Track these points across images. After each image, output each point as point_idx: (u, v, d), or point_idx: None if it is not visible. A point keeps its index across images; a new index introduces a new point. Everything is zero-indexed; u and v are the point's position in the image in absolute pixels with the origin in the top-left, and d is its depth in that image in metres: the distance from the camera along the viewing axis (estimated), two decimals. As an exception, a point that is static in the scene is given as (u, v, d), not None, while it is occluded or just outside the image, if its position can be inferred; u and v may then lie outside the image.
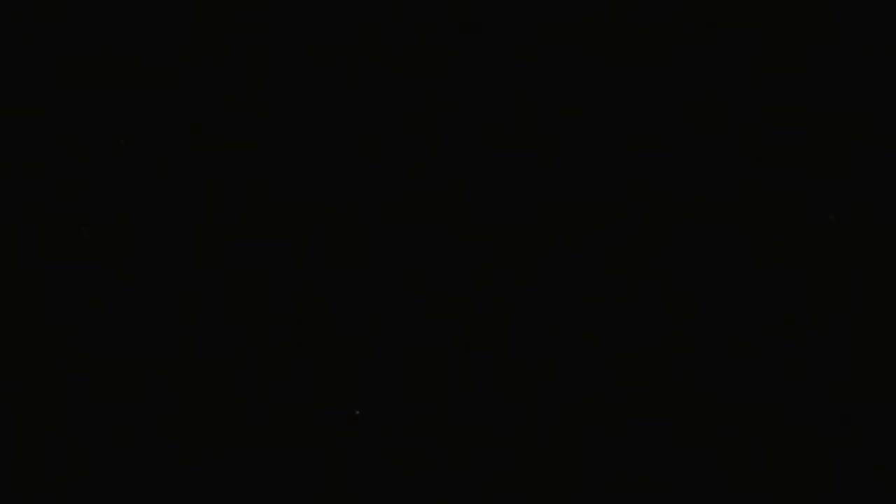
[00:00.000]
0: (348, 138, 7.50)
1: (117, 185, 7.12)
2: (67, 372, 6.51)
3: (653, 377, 7.03)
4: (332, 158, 7.41)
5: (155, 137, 7.21)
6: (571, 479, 4.87)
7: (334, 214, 7.47)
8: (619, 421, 6.23)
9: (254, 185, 7.36)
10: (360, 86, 7.30)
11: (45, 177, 6.94)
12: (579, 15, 6.99)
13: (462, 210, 8.29)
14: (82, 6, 6.93)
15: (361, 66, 7.28)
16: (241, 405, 6.42)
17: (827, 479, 4.78)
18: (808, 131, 6.84)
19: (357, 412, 7.19)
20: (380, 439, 6.05)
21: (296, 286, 7.58)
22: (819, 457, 5.20)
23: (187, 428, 5.94)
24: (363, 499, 4.59)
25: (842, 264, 6.77)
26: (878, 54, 6.72)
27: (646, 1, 7.02)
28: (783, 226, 7.03)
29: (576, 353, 7.85)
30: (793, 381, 6.65)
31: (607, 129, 7.26)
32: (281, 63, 7.35)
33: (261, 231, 7.25)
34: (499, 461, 5.35)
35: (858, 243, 6.70)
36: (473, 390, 8.12)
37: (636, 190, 7.19)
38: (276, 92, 7.34)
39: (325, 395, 7.07)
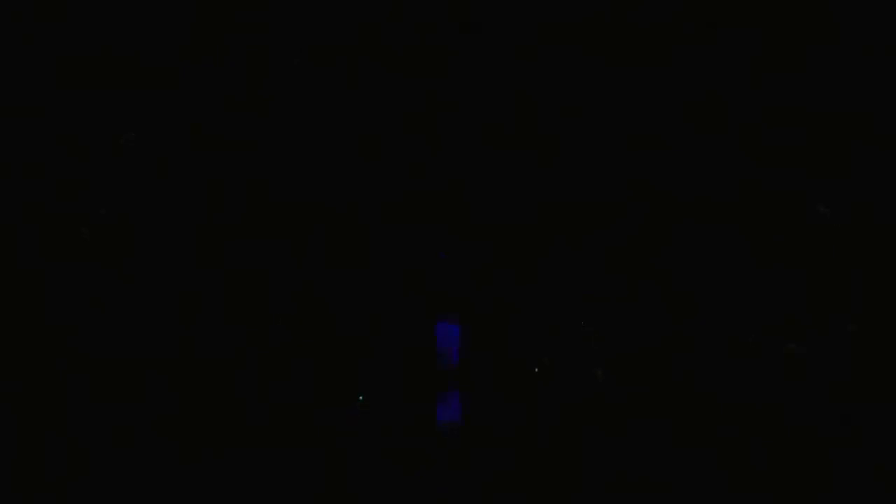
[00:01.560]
0: (348, 138, 7.51)
1: (117, 185, 7.12)
2: (67, 372, 6.51)
3: (653, 377, 7.03)
4: (332, 158, 7.42)
5: (155, 137, 7.21)
6: (571, 479, 4.87)
7: (334, 214, 7.47)
8: (619, 421, 6.24)
9: (254, 185, 7.36)
10: (360, 86, 7.30)
11: (45, 177, 6.94)
12: (579, 15, 6.99)
13: (462, 210, 8.30)
14: (82, 6, 6.93)
15: (361, 66, 7.28)
16: (241, 405, 6.42)
17: (827, 479, 4.78)
18: (808, 131, 6.84)
19: (361, 398, 7.22)
20: (380, 439, 6.05)
21: (296, 286, 7.58)
22: (819, 457, 5.21)
23: (187, 428, 5.95)
24: (363, 499, 4.58)
25: (842, 264, 6.77)
26: (878, 54, 6.71)
27: (646, 1, 7.02)
28: (783, 226, 7.03)
29: (576, 353, 7.85)
30: (793, 381, 6.65)
31: (607, 129, 7.26)
32: (281, 63, 7.35)
33: (261, 231, 7.25)
34: (499, 461, 5.36)
35: (858, 243, 6.70)
36: (474, 390, 8.13)
37: (636, 190, 7.19)
38: (276, 92, 7.35)
39: (325, 395, 7.08)
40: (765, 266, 7.13)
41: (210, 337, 7.18)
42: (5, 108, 6.94)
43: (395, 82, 7.51)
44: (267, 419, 6.26)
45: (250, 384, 6.99)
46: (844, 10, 6.78)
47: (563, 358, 7.87)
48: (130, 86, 7.33)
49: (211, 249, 7.35)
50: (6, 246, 6.80)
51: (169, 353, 6.96)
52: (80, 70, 7.19)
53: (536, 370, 7.69)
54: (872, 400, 6.20)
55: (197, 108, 7.41)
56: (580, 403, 6.94)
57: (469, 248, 8.55)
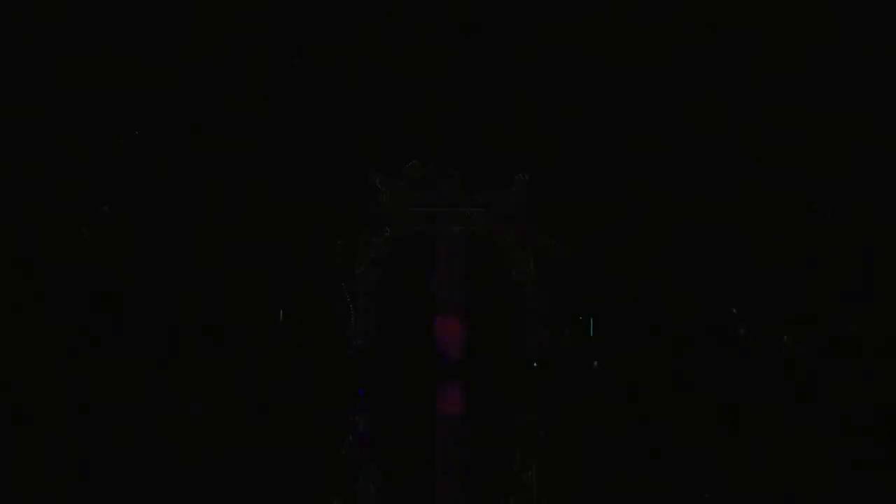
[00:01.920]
0: (349, 138, 7.49)
1: (117, 185, 7.10)
2: (67, 372, 6.50)
3: (653, 377, 7.02)
4: (332, 158, 7.40)
5: (155, 137, 7.19)
6: (571, 478, 4.87)
7: (334, 214, 7.45)
8: (619, 421, 6.24)
9: (254, 185, 7.34)
10: (360, 86, 7.28)
11: (45, 177, 6.93)
12: (579, 15, 6.99)
13: (462, 209, 8.23)
14: (82, 6, 6.91)
15: (361, 66, 7.26)
16: (241, 405, 6.42)
17: (827, 478, 4.78)
18: (808, 131, 6.83)
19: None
20: (380, 439, 6.07)
21: (296, 286, 7.55)
22: (819, 457, 5.21)
23: (187, 428, 5.96)
24: (363, 499, 4.59)
25: (842, 264, 6.76)
26: (878, 54, 6.71)
27: (646, 1, 7.01)
28: (783, 226, 7.02)
29: (576, 352, 7.82)
30: (793, 381, 6.64)
31: (607, 129, 7.24)
32: (281, 63, 7.33)
33: (261, 231, 7.23)
34: (499, 461, 5.36)
35: (858, 243, 6.70)
36: (475, 388, 8.09)
37: (636, 190, 7.17)
38: (276, 92, 7.33)
39: (326, 395, 7.07)
40: (765, 266, 7.11)
41: (210, 337, 7.15)
42: (5, 108, 6.93)
43: (395, 82, 7.49)
44: (267, 419, 6.26)
45: (250, 384, 6.97)
46: (844, 10, 6.76)
47: (563, 358, 7.83)
48: (130, 86, 7.31)
49: (211, 249, 7.33)
50: (6, 246, 6.78)
51: (169, 353, 6.93)
52: (80, 70, 7.17)
53: (535, 365, 7.69)
54: (872, 400, 6.19)
55: (197, 108, 7.40)
56: (580, 403, 6.93)
57: (470, 248, 8.47)
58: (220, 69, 7.33)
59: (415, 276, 9.94)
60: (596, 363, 8.04)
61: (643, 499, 4.55)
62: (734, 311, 7.00)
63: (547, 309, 9.22)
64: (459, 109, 7.31)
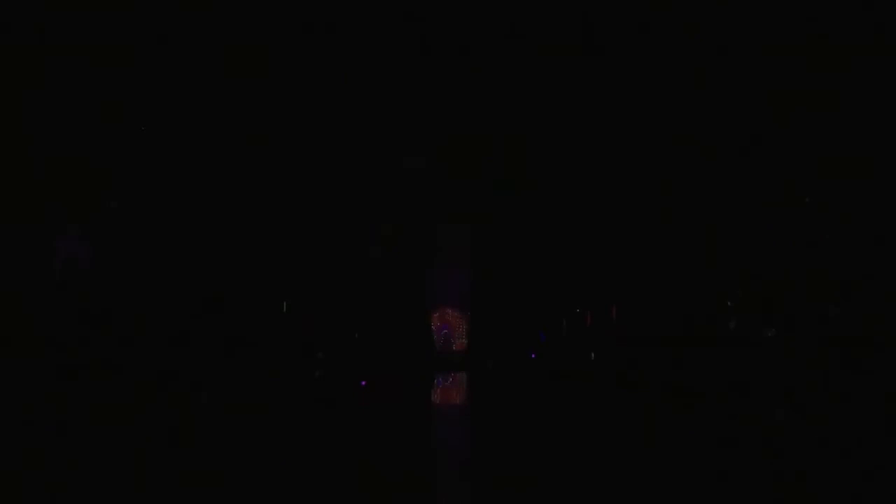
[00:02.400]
0: (348, 137, 7.52)
1: (117, 185, 7.13)
2: (68, 371, 6.54)
3: (653, 377, 7.05)
4: (332, 158, 7.43)
5: (154, 137, 7.22)
6: (572, 479, 4.90)
7: (335, 215, 7.48)
8: (619, 421, 6.29)
9: (255, 181, 7.37)
10: (360, 86, 7.32)
11: (45, 176, 6.96)
12: (581, 15, 7.02)
13: (463, 209, 8.27)
14: (84, 6, 6.93)
15: (363, 65, 7.30)
16: (241, 405, 6.45)
17: (826, 478, 4.81)
18: (808, 131, 6.86)
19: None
20: (380, 439, 6.10)
21: (297, 282, 7.58)
22: (819, 458, 5.24)
23: (187, 427, 6.00)
24: (364, 499, 4.61)
25: (842, 264, 6.79)
26: (878, 55, 6.74)
27: (646, 1, 7.04)
28: (782, 224, 7.05)
29: (577, 352, 7.85)
30: (793, 380, 6.67)
31: (607, 130, 7.27)
32: (283, 59, 7.36)
33: (261, 231, 7.26)
34: (498, 461, 5.40)
35: (858, 244, 6.73)
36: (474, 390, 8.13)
37: (636, 190, 7.20)
38: (277, 89, 7.36)
39: (326, 394, 7.10)
40: (765, 266, 7.16)
41: (211, 337, 7.20)
42: (7, 108, 6.97)
43: (394, 82, 7.55)
44: (268, 419, 6.31)
45: (251, 384, 7.02)
46: (845, 10, 6.79)
47: (564, 358, 7.87)
48: (130, 84, 7.36)
49: (211, 249, 7.38)
50: (6, 246, 6.82)
51: (169, 353, 6.99)
52: (81, 69, 7.21)
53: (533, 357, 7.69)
54: (872, 399, 6.22)
55: (197, 105, 7.45)
56: (580, 403, 6.96)
57: (471, 242, 8.50)
58: (220, 66, 7.38)
59: (415, 269, 10.00)
60: (593, 355, 8.09)
61: (643, 498, 4.57)
62: (729, 304, 7.03)
63: (546, 303, 9.29)
64: (466, 111, 7.36)
